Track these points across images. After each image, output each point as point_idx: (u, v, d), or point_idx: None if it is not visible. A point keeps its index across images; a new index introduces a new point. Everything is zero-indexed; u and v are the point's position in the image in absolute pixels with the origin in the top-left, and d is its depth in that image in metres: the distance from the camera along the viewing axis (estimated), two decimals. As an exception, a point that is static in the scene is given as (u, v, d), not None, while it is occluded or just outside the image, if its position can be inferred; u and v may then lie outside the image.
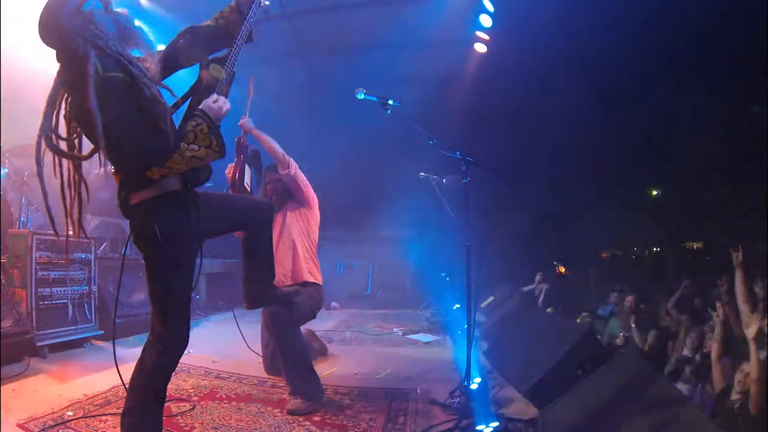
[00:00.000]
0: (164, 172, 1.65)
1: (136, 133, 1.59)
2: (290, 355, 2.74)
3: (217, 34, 1.96)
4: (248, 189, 3.12)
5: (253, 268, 2.37)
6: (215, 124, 1.72)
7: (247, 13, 1.94)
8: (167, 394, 1.85)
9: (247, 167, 3.10)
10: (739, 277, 2.47)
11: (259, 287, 2.40)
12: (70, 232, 1.76)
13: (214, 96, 1.77)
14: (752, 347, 2.16)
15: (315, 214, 3.28)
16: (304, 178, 3.18)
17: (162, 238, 1.70)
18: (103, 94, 1.54)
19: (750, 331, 2.22)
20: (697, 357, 2.89)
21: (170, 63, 1.89)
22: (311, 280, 3.12)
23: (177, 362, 1.84)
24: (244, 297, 2.42)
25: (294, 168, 3.09)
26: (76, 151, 1.72)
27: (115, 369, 2.12)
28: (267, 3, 2.04)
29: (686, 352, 3.04)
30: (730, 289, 2.60)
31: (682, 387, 2.71)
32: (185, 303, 1.81)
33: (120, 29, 1.70)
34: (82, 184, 1.76)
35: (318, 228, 3.30)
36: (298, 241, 3.14)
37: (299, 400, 2.60)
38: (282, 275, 3.06)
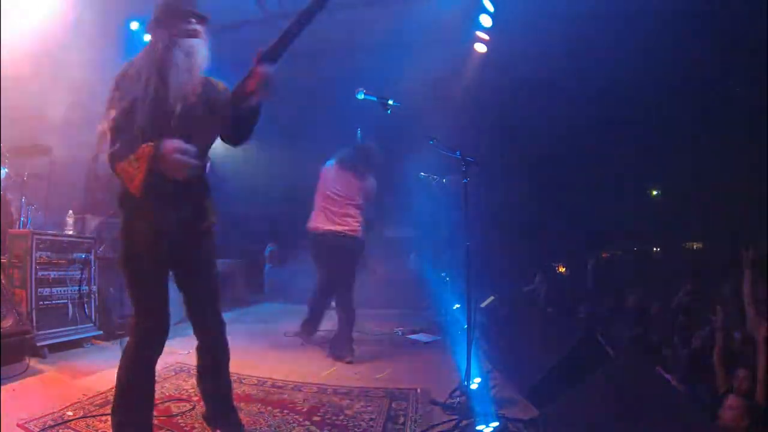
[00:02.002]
0: (117, 173, 1.73)
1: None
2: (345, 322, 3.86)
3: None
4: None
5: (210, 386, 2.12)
6: (157, 158, 1.66)
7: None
8: (167, 394, 1.86)
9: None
10: (747, 277, 2.43)
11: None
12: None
13: (180, 144, 1.70)
14: (762, 348, 2.13)
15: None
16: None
17: (121, 230, 1.87)
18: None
19: (760, 332, 2.18)
20: (700, 357, 2.88)
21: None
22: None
23: (154, 354, 1.88)
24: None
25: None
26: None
27: (116, 369, 2.11)
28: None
29: (688, 352, 3.04)
30: (735, 290, 2.58)
31: (683, 388, 2.71)
32: (149, 299, 1.86)
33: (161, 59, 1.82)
34: None
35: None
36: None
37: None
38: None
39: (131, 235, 1.83)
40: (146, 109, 1.72)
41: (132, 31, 5.38)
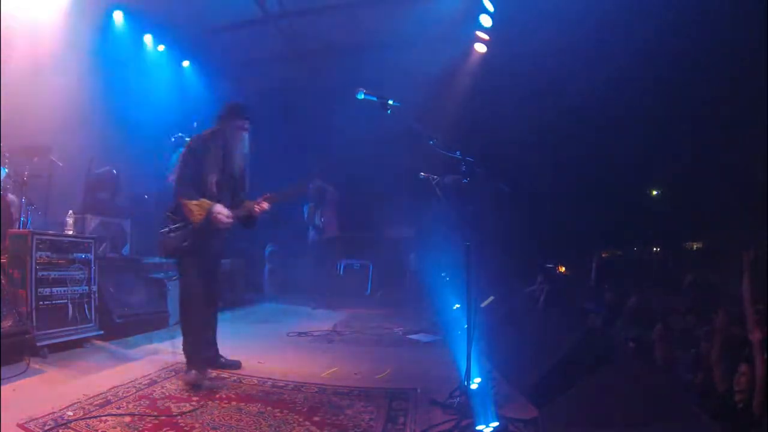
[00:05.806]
0: (181, 203, 3.05)
1: None
2: None
3: None
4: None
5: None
6: (211, 213, 3.01)
7: None
8: (168, 394, 1.86)
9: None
10: (746, 278, 2.42)
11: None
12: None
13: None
14: (756, 350, 2.13)
15: None
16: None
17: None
18: None
19: (755, 336, 2.17)
20: (700, 357, 2.88)
21: None
22: None
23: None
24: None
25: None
26: None
27: (116, 369, 2.12)
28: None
29: (689, 352, 3.03)
30: (733, 290, 2.57)
31: (685, 388, 2.70)
32: None
33: None
34: None
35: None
36: None
37: None
38: None
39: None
40: (216, 171, 3.04)
41: (116, 21, 5.40)
